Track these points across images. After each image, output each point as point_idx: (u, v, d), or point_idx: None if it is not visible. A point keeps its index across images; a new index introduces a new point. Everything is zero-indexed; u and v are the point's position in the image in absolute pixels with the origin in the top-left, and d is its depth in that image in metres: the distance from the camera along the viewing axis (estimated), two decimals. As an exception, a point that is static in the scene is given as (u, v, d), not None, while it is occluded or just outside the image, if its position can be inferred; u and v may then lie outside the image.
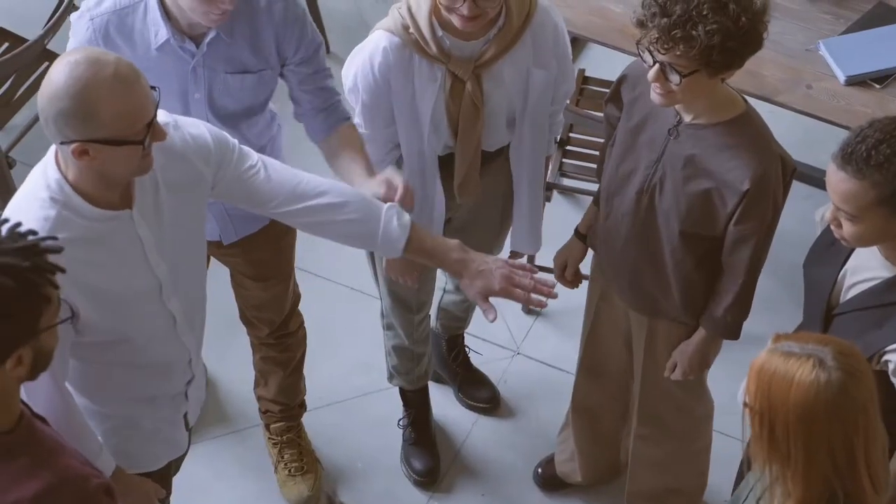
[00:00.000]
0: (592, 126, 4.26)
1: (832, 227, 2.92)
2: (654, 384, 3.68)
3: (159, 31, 3.22)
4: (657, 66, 3.08)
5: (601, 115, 3.63)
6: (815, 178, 2.85)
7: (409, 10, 3.42)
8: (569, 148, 4.52)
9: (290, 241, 3.81)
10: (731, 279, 3.35)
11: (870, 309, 2.96)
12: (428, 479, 4.29)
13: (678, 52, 3.01)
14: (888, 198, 2.78)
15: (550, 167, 4.25)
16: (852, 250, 3.03)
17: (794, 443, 2.42)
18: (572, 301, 3.95)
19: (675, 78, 3.06)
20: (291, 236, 3.79)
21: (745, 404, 2.49)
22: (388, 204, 3.11)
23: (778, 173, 3.23)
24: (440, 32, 3.41)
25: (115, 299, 2.85)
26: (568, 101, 3.86)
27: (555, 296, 3.08)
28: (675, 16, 2.99)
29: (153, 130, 2.71)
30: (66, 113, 2.64)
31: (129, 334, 2.91)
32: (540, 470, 4.29)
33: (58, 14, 4.46)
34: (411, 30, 3.42)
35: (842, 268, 3.05)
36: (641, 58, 3.12)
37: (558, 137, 4.35)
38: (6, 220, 2.45)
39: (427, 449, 4.32)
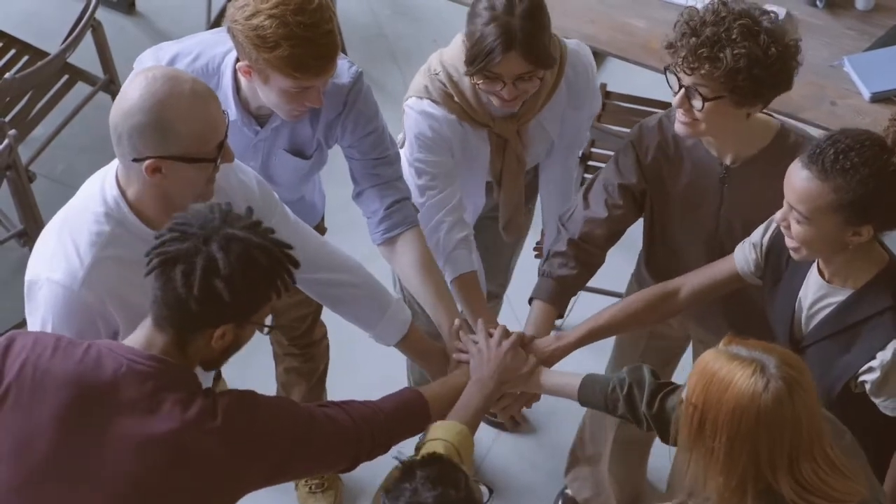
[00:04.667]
0: (614, 141, 4.24)
1: (782, 229, 2.92)
2: None
3: (227, 110, 3.18)
4: (683, 91, 3.05)
5: (623, 129, 3.61)
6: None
7: (451, 77, 3.40)
8: (591, 163, 4.50)
9: None
10: None
11: (833, 336, 2.96)
12: (448, 496, 4.27)
13: (703, 72, 2.99)
14: (845, 206, 2.78)
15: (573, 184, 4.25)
16: (801, 282, 3.03)
17: (720, 439, 2.45)
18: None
19: (697, 103, 3.03)
20: None
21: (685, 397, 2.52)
22: (398, 298, 3.24)
23: None
24: (485, 98, 3.39)
25: None
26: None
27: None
28: (704, 36, 2.98)
29: (224, 151, 2.74)
30: (142, 128, 2.65)
31: None
32: (561, 502, 4.28)
33: (79, 28, 4.45)
34: (456, 99, 3.41)
35: (795, 300, 3.05)
36: (668, 83, 3.09)
37: (581, 153, 4.35)
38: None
39: (447, 465, 4.31)
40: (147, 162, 2.67)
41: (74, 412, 2.55)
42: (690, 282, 3.23)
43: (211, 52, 3.20)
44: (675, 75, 3.06)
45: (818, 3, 4.39)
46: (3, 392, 2.58)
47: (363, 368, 4.51)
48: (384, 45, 5.59)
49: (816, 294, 2.99)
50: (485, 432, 4.44)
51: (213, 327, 2.55)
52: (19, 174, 4.38)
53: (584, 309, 4.45)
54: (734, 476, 2.47)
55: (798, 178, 2.81)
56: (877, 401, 2.94)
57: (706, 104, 3.02)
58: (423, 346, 3.33)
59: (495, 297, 4.21)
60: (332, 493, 4.20)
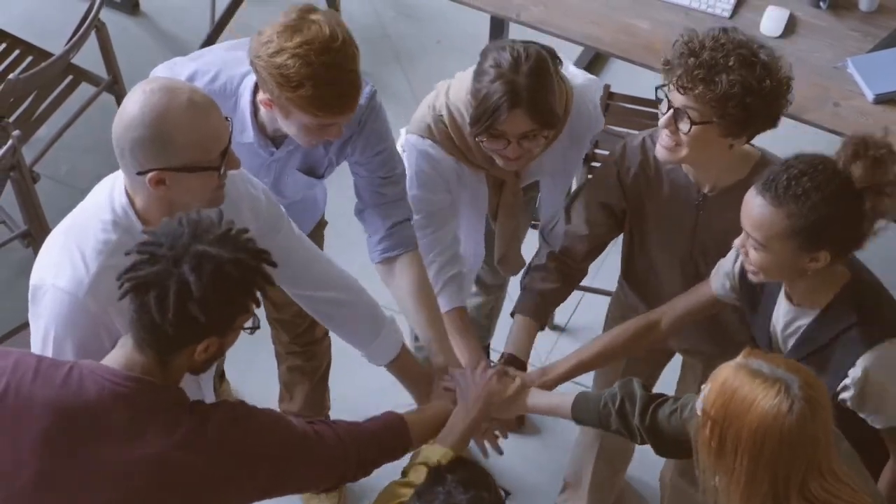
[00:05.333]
0: (617, 142, 4.23)
1: (741, 255, 2.94)
2: None
3: (245, 132, 3.22)
4: (671, 111, 3.06)
5: (626, 130, 3.62)
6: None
7: (454, 120, 3.41)
8: (594, 164, 4.50)
9: (319, 245, 3.80)
10: None
11: (808, 357, 2.96)
12: (452, 497, 4.27)
13: (696, 93, 3.00)
14: (799, 231, 2.77)
15: (574, 182, 4.25)
16: (775, 303, 3.04)
17: (741, 459, 2.44)
18: (598, 317, 3.94)
19: (685, 126, 3.04)
20: (319, 242, 3.81)
21: (701, 411, 2.51)
22: (391, 318, 3.29)
23: None
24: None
25: None
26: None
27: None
28: (702, 58, 3.00)
29: (228, 158, 2.73)
30: (142, 141, 2.65)
31: None
32: None
33: (83, 28, 4.45)
34: (457, 142, 3.42)
35: (770, 321, 3.06)
36: (657, 102, 3.10)
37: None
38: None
39: (451, 466, 4.32)
40: (150, 174, 2.68)
41: (58, 437, 2.55)
42: (671, 310, 3.30)
43: (229, 72, 3.20)
44: (667, 95, 3.07)
45: (821, 4, 4.39)
46: None
47: (365, 367, 4.48)
48: (388, 46, 5.60)
49: (787, 317, 3.01)
50: (488, 433, 4.44)
51: (194, 344, 2.56)
52: (23, 175, 4.39)
53: (586, 310, 4.46)
54: (756, 496, 2.47)
55: (753, 205, 2.82)
56: (862, 415, 2.95)
57: (693, 127, 3.03)
58: (413, 370, 3.40)
59: (498, 290, 4.23)
60: (335, 494, 4.20)
